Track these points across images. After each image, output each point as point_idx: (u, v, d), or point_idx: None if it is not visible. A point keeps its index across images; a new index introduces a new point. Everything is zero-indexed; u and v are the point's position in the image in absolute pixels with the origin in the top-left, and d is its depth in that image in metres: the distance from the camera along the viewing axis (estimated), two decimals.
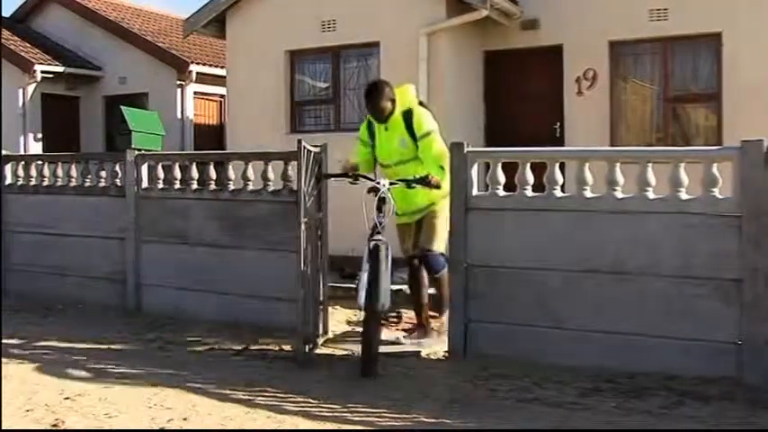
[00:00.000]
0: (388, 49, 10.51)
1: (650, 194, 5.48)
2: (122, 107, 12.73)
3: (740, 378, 5.11)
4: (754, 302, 5.12)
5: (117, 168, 8.01)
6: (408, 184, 5.84)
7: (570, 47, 10.78)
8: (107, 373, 5.55)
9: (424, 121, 6.09)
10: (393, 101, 6.12)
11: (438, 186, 5.81)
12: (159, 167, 7.77)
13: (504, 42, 11.06)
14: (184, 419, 4.55)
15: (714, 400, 4.85)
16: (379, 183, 5.81)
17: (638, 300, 5.45)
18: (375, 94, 6.13)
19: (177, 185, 7.61)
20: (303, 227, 6.00)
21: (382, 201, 5.71)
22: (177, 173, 7.62)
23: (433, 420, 4.48)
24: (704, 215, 5.32)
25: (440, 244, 6.17)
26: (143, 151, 8.48)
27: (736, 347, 5.18)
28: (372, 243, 5.57)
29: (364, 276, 5.44)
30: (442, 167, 5.95)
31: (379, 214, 5.73)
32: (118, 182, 7.99)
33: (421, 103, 6.34)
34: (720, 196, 5.32)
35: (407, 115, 6.10)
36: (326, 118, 11.43)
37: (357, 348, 5.73)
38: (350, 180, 6.02)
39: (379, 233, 5.62)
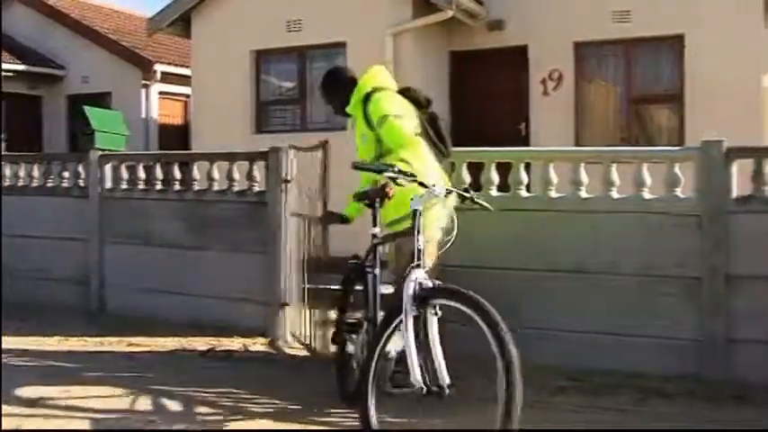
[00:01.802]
0: (354, 50, 10.51)
1: (614, 194, 5.54)
2: (85, 107, 12.57)
3: (701, 375, 5.17)
4: (714, 301, 5.20)
5: (80, 169, 7.93)
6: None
7: (535, 48, 10.85)
8: (69, 375, 5.48)
9: (379, 104, 4.77)
10: (346, 88, 5.01)
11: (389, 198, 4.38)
12: (123, 168, 7.71)
13: (470, 43, 11.12)
14: (150, 421, 4.51)
15: (677, 397, 4.92)
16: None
17: (601, 298, 5.50)
18: (322, 83, 5.28)
19: (141, 186, 7.55)
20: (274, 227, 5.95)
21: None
22: (141, 173, 7.56)
23: (398, 420, 4.47)
24: (666, 214, 5.38)
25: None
26: (106, 151, 8.39)
27: (698, 345, 5.25)
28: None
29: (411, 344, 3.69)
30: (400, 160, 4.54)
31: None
32: (81, 182, 7.91)
33: (403, 91, 5.02)
34: (682, 196, 5.39)
35: (365, 104, 4.84)
36: (292, 118, 11.41)
37: (322, 348, 5.71)
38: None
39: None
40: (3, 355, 6.02)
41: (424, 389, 3.57)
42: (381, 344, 3.86)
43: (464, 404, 4.06)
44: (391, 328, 3.87)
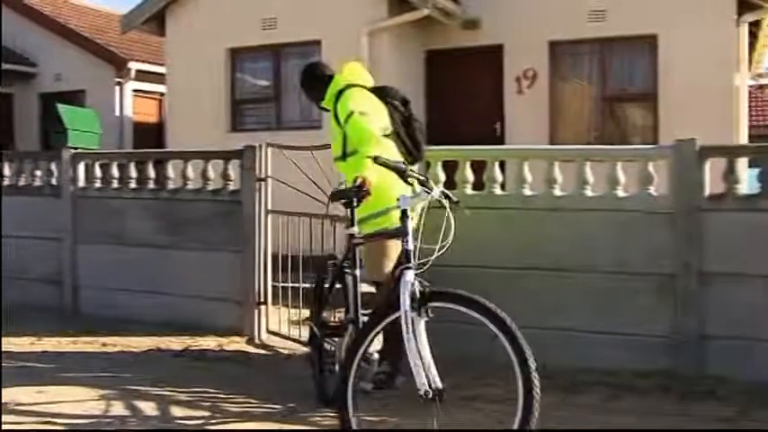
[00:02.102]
0: (329, 48, 10.50)
1: (588, 192, 5.57)
2: (57, 105, 12.47)
3: (675, 371, 5.22)
4: (687, 297, 5.24)
5: (52, 167, 7.85)
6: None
7: (511, 47, 10.90)
8: (43, 376, 5.43)
9: (349, 101, 4.71)
10: (323, 83, 4.99)
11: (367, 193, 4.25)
12: (96, 166, 7.64)
13: (446, 42, 11.14)
14: (124, 422, 4.48)
15: (650, 393, 4.96)
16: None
17: (576, 296, 5.53)
18: (301, 77, 5.25)
19: (115, 185, 7.49)
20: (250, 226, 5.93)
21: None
22: (115, 172, 7.50)
23: (372, 419, 4.47)
24: (640, 212, 5.42)
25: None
26: (79, 150, 8.32)
27: (671, 341, 5.29)
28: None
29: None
30: (366, 157, 4.35)
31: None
32: (53, 181, 7.83)
33: (378, 89, 4.99)
34: (656, 194, 5.43)
35: (338, 98, 4.82)
36: (267, 116, 11.38)
37: (298, 347, 5.70)
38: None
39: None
40: None
41: (430, 392, 3.56)
42: (365, 346, 3.83)
43: (456, 405, 4.09)
44: (375, 331, 3.86)
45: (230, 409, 4.71)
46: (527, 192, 5.72)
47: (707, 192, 5.29)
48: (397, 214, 3.98)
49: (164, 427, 4.43)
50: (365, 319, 4.17)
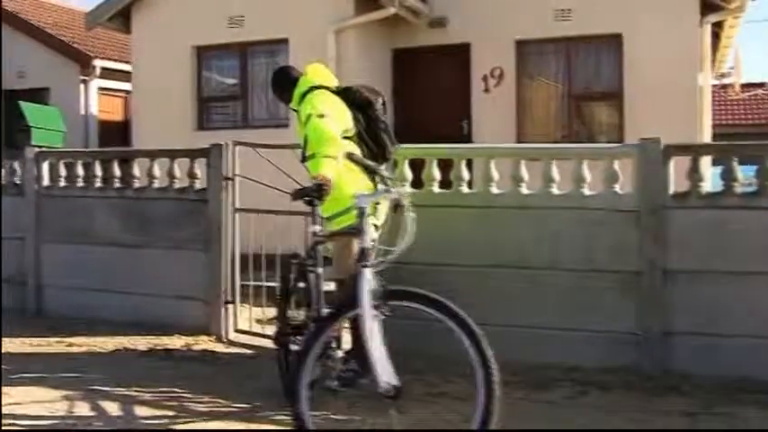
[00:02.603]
0: (296, 46, 10.48)
1: (554, 190, 5.61)
2: (20, 102, 12.30)
3: (639, 367, 5.28)
4: (652, 294, 5.30)
5: (16, 166, 7.75)
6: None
7: (478, 45, 10.95)
8: (7, 377, 5.35)
9: (309, 103, 4.74)
10: (292, 86, 5.03)
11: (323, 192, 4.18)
12: (61, 165, 7.55)
13: (413, 40, 11.17)
14: (89, 423, 4.44)
15: (615, 389, 5.01)
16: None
17: (542, 293, 5.56)
18: (271, 81, 5.32)
19: (80, 183, 7.41)
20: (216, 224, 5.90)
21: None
22: (80, 170, 7.42)
23: (342, 418, 4.48)
24: (605, 210, 5.47)
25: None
26: (43, 148, 8.21)
27: (636, 338, 5.34)
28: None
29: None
30: (324, 157, 4.34)
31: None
32: (17, 180, 7.73)
33: (342, 90, 4.99)
34: (621, 192, 5.48)
35: (301, 100, 4.89)
36: (234, 115, 11.34)
37: (268, 346, 5.68)
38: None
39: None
40: None
41: (391, 390, 3.57)
42: (319, 343, 3.83)
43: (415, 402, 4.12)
44: (330, 328, 3.88)
45: (196, 409, 4.69)
46: (494, 190, 5.75)
47: (671, 190, 5.35)
48: (351, 214, 4.01)
49: (128, 428, 4.39)
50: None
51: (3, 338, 6.45)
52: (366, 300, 3.66)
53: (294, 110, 5.05)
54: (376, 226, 4.69)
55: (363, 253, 3.84)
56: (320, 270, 4.44)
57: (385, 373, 3.59)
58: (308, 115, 4.62)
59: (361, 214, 3.90)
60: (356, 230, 3.92)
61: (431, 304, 3.72)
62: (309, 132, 4.56)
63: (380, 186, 3.99)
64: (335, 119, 4.64)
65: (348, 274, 4.56)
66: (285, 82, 5.14)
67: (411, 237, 3.92)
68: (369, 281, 3.72)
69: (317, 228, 4.44)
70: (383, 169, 4.06)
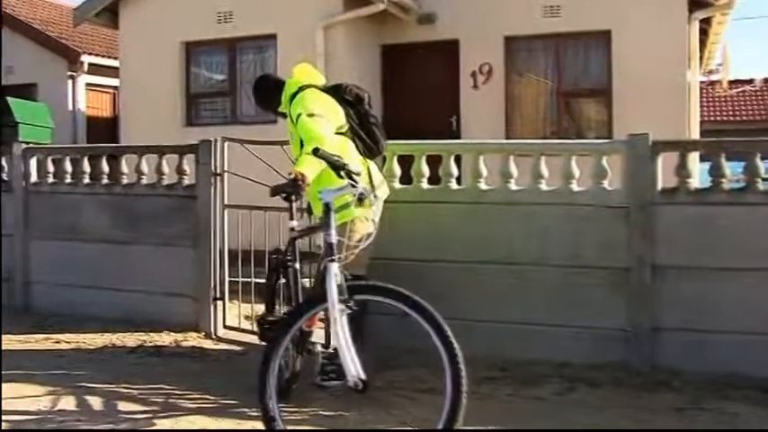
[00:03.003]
0: (284, 42, 10.46)
1: (543, 186, 5.61)
2: (8, 98, 12.24)
3: (628, 363, 5.29)
4: (641, 290, 5.32)
5: (3, 162, 7.71)
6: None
7: (466, 41, 10.95)
8: None
9: (299, 102, 4.76)
10: (277, 91, 5.07)
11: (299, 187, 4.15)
12: (49, 161, 7.52)
13: (402, 36, 11.16)
14: (77, 420, 4.43)
15: (604, 385, 5.02)
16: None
17: (531, 289, 5.57)
18: (254, 93, 5.38)
19: (68, 180, 7.37)
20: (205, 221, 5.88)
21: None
22: (68, 167, 7.39)
23: (331, 413, 4.48)
24: (594, 206, 5.47)
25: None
26: (31, 144, 8.17)
27: (625, 334, 5.36)
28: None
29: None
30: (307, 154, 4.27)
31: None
32: (4, 176, 7.69)
33: (332, 88, 5.01)
34: (610, 188, 5.49)
35: (291, 101, 4.90)
36: (223, 111, 11.30)
37: (255, 341, 5.66)
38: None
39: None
40: None
41: (360, 384, 3.59)
42: (284, 339, 3.86)
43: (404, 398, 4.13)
44: (297, 324, 3.91)
45: (185, 405, 4.67)
46: (483, 186, 5.75)
47: (659, 186, 5.37)
48: (352, 208, 4.03)
49: (114, 427, 4.38)
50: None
51: None
52: (333, 294, 3.68)
53: (283, 114, 5.07)
54: (373, 221, 4.83)
55: (330, 248, 3.85)
56: (297, 265, 4.48)
57: (353, 366, 3.61)
58: (297, 114, 4.64)
59: (327, 209, 3.93)
60: (322, 226, 3.95)
61: (398, 298, 3.74)
62: (299, 131, 4.59)
63: (345, 182, 3.99)
64: (328, 116, 4.67)
65: (349, 268, 4.64)
66: (269, 88, 5.18)
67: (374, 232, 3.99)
68: (336, 275, 3.74)
69: (295, 223, 4.51)
70: (350, 165, 4.06)
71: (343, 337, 3.64)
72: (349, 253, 4.06)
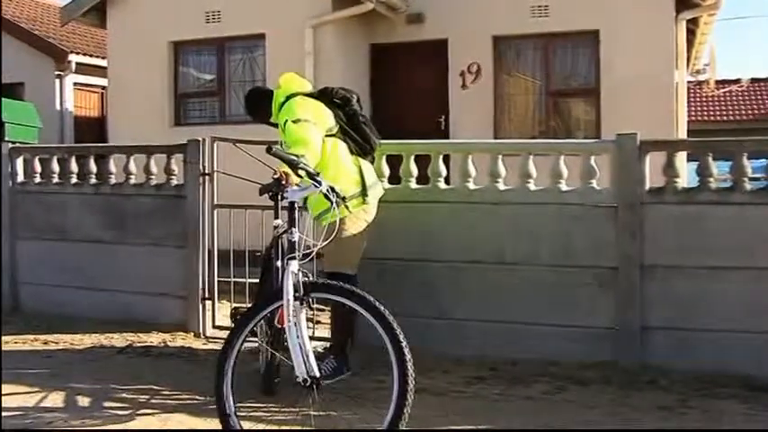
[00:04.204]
0: (273, 42, 10.46)
1: (531, 186, 5.62)
2: None
3: (617, 362, 5.31)
4: (629, 289, 5.33)
5: None
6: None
7: (455, 41, 10.96)
8: None
9: (288, 110, 4.85)
10: (268, 102, 5.13)
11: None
12: (36, 161, 7.48)
13: (391, 36, 11.17)
14: (66, 420, 4.41)
15: (593, 384, 5.04)
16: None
17: (520, 289, 5.58)
18: (245, 105, 5.48)
19: (56, 179, 7.35)
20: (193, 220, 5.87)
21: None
22: (55, 166, 7.36)
23: (321, 414, 4.47)
24: (583, 206, 5.49)
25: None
26: (18, 144, 8.13)
27: (613, 333, 5.38)
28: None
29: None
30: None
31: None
32: None
33: (319, 93, 5.09)
34: (598, 187, 5.50)
35: (280, 111, 5.00)
36: (211, 110, 11.29)
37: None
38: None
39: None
40: None
41: (309, 380, 3.68)
42: (242, 337, 3.91)
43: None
44: (255, 321, 3.98)
45: (173, 405, 4.67)
46: (471, 186, 5.76)
47: (647, 185, 5.39)
48: (342, 207, 4.13)
49: (103, 426, 4.37)
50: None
51: None
52: (290, 292, 3.74)
53: (274, 124, 5.14)
54: (366, 221, 5.01)
55: (290, 246, 3.92)
56: (279, 264, 4.50)
57: (306, 364, 3.68)
58: (283, 122, 4.79)
59: (291, 208, 4.00)
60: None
61: (351, 297, 3.82)
62: (287, 138, 4.69)
63: (308, 181, 4.02)
64: (315, 120, 4.75)
65: (338, 267, 4.86)
66: (260, 100, 5.26)
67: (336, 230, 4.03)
68: (294, 273, 3.81)
69: (279, 222, 4.57)
70: (306, 164, 4.10)
71: (297, 335, 3.70)
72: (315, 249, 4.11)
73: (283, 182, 4.14)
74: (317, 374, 3.70)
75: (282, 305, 3.78)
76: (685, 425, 4.36)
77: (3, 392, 4.84)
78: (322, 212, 4.70)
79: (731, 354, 5.12)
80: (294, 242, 3.92)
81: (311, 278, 3.94)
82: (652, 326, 5.31)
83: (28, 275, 7.43)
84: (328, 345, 5.35)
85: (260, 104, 5.25)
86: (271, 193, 4.29)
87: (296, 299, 3.76)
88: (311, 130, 4.65)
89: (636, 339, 5.32)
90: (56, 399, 4.79)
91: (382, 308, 3.72)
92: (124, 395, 4.87)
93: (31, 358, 5.83)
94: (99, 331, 6.54)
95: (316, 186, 3.96)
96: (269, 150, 4.05)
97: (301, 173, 4.02)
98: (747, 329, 5.11)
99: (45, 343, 6.30)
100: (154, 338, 6.34)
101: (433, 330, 5.71)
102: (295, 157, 4.11)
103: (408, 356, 3.61)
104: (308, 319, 5.15)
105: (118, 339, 6.34)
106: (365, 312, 3.76)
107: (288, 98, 4.97)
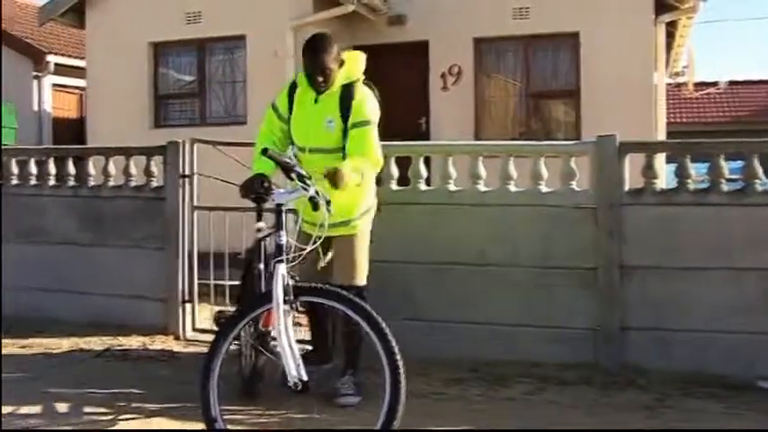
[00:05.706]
0: (254, 43, 10.43)
1: (512, 187, 5.64)
2: None
3: (597, 363, 5.33)
4: (609, 290, 5.36)
5: None
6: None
7: (436, 43, 10.99)
8: None
9: (367, 105, 4.64)
10: (341, 66, 4.64)
11: (336, 186, 4.04)
12: (13, 162, 7.41)
13: (372, 38, 11.14)
14: (36, 425, 4.37)
15: (573, 385, 5.06)
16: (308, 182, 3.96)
17: (501, 290, 5.59)
18: (321, 48, 4.52)
19: (33, 181, 7.28)
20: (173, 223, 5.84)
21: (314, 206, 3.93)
22: (33, 168, 7.29)
23: (304, 416, 4.45)
24: (563, 207, 5.51)
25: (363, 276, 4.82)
26: None
27: (593, 333, 5.40)
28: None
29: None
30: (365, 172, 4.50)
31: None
32: None
33: (367, 84, 4.90)
34: (578, 189, 5.52)
35: (347, 91, 4.60)
36: (192, 112, 11.23)
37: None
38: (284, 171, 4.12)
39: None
40: None
41: (299, 384, 3.69)
42: (228, 340, 3.92)
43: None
44: (242, 323, 3.99)
45: (154, 409, 4.63)
46: (452, 187, 5.76)
47: (627, 186, 5.42)
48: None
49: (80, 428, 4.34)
50: None
51: None
52: (279, 295, 3.73)
53: (320, 90, 4.61)
54: None
55: (278, 249, 3.90)
56: (261, 266, 4.48)
57: (294, 367, 3.68)
58: (367, 120, 4.65)
59: (279, 212, 3.97)
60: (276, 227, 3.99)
61: (339, 300, 3.83)
62: (367, 141, 4.63)
63: (298, 184, 4.00)
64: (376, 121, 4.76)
65: (359, 280, 4.76)
66: (334, 59, 4.59)
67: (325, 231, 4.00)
68: (283, 276, 3.79)
69: (262, 224, 4.56)
70: (299, 167, 4.07)
71: (285, 338, 3.69)
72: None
73: (266, 183, 4.21)
74: (306, 378, 3.69)
75: (268, 308, 3.77)
76: (665, 424, 4.38)
77: None
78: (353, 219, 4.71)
79: (709, 354, 5.16)
80: (282, 245, 3.89)
81: (297, 281, 3.92)
82: (632, 326, 5.34)
83: (5, 278, 7.33)
84: (310, 348, 5.32)
85: (333, 64, 4.56)
86: (254, 196, 4.29)
87: (285, 302, 3.74)
88: (374, 135, 4.67)
89: (616, 340, 5.34)
90: (27, 404, 4.72)
91: (371, 310, 3.74)
92: (99, 399, 4.82)
93: (9, 362, 5.74)
94: (77, 335, 6.48)
95: (304, 190, 3.93)
96: (264, 152, 4.03)
97: (293, 176, 3.98)
98: (725, 330, 5.15)
99: (23, 347, 6.23)
100: (133, 341, 6.29)
101: (413, 332, 5.69)
102: (288, 161, 4.09)
103: (399, 357, 3.63)
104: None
105: (96, 343, 6.28)
106: (354, 315, 3.76)
107: (358, 81, 4.73)
